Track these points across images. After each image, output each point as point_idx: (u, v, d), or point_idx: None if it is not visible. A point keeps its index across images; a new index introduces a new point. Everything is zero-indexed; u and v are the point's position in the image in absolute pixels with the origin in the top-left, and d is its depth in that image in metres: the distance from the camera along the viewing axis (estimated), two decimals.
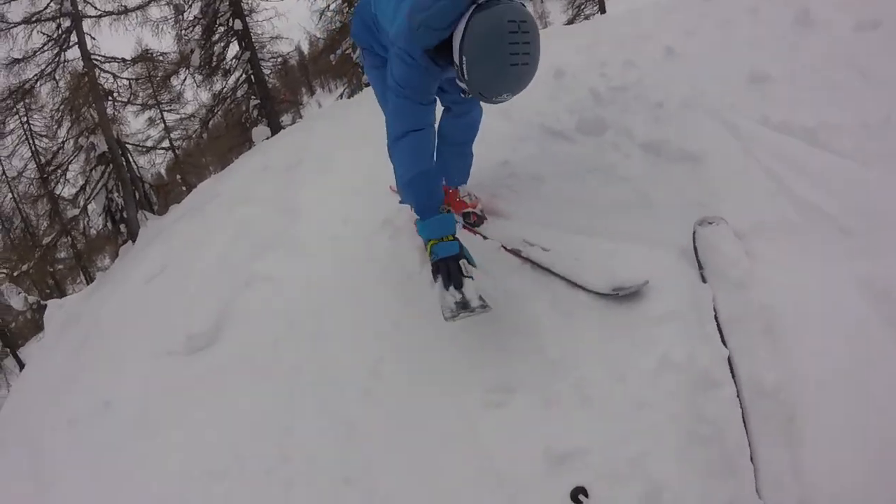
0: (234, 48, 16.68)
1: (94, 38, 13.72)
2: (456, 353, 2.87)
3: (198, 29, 16.21)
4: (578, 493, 2.08)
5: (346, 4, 16.09)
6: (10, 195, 22.01)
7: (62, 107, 14.25)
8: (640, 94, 4.20)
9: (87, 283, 19.22)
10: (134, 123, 18.96)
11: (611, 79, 4.67)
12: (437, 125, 3.04)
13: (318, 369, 3.30)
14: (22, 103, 16.07)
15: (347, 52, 16.30)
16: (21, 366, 18.70)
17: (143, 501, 3.13)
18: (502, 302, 2.92)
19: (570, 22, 21.11)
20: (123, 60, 14.67)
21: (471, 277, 2.70)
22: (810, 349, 2.09)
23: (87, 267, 24.56)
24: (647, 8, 7.32)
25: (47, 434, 4.41)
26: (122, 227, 14.19)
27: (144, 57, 15.70)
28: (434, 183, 2.88)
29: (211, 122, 18.07)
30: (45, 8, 12.94)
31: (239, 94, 17.30)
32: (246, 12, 16.26)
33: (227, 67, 16.88)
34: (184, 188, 20.82)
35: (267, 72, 17.49)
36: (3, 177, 21.12)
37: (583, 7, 22.60)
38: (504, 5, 2.33)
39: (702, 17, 5.67)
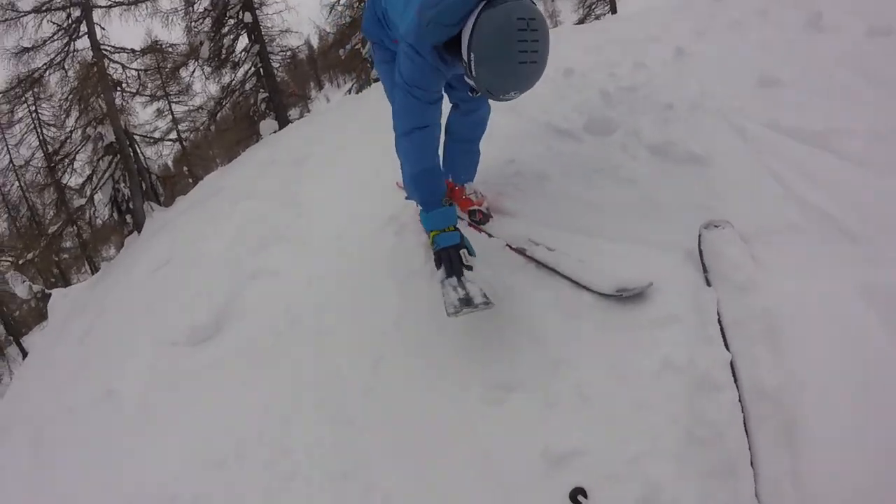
0: (243, 41, 16.66)
1: (103, 29, 13.69)
2: (457, 350, 2.87)
3: (207, 21, 16.17)
4: (577, 494, 2.07)
5: None
6: (17, 183, 22.13)
7: (70, 96, 14.22)
8: (649, 95, 4.19)
9: (92, 273, 19.33)
10: (142, 114, 19.05)
11: (620, 79, 4.66)
12: (445, 121, 3.09)
13: (319, 364, 3.31)
14: (30, 92, 16.07)
15: (357, 47, 16.28)
16: (24, 354, 18.79)
17: (141, 489, 3.15)
18: (505, 300, 2.92)
19: (581, 22, 21.09)
20: (133, 51, 14.64)
21: (470, 267, 2.83)
22: (813, 354, 2.07)
23: (93, 257, 24.59)
24: (657, 9, 7.32)
25: (49, 421, 4.44)
26: (128, 218, 14.19)
27: (154, 48, 15.66)
28: (438, 178, 2.93)
29: (219, 115, 18.02)
30: None
31: (247, 87, 17.27)
32: (256, 5, 16.23)
33: (236, 60, 16.84)
34: (190, 180, 20.91)
35: (276, 65, 17.44)
36: (11, 165, 21.20)
37: (594, 7, 22.53)
38: (513, 2, 2.32)
39: (712, 18, 5.67)
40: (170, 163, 23.67)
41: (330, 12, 16.84)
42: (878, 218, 2.55)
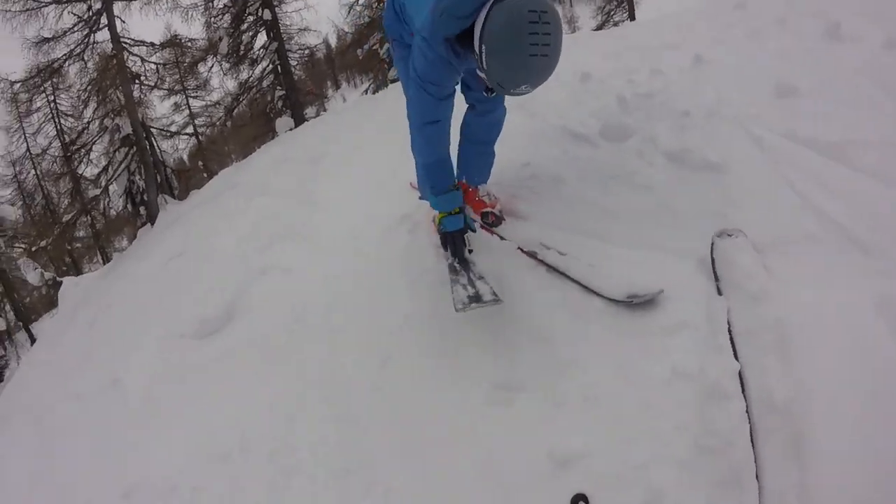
0: (262, 38, 16.72)
1: (123, 22, 13.77)
2: (465, 350, 2.86)
3: (227, 17, 16.25)
4: (579, 501, 2.06)
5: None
6: (33, 172, 22.33)
7: (89, 87, 14.31)
8: (666, 101, 4.17)
9: (104, 263, 19.41)
10: (159, 108, 19.10)
11: (637, 85, 4.65)
12: (460, 122, 3.25)
13: (327, 362, 3.31)
14: (49, 82, 16.21)
15: (375, 47, 16.34)
16: (33, 340, 18.88)
17: (143, 478, 3.15)
18: (514, 301, 2.91)
19: (599, 28, 21.05)
20: (152, 45, 14.72)
21: (471, 249, 3.15)
22: (823, 366, 2.05)
23: (105, 247, 24.76)
24: (676, 15, 7.29)
25: (53, 408, 4.45)
26: (142, 210, 14.26)
27: (173, 42, 15.75)
28: (448, 167, 3.11)
29: (235, 111, 18.12)
30: None
31: (265, 83, 17.34)
32: (275, 3, 16.30)
33: (255, 57, 16.91)
34: (205, 175, 20.94)
35: (293, 63, 17.51)
36: (28, 153, 21.38)
37: (612, 13, 22.49)
38: None
39: (730, 26, 5.65)
40: (185, 157, 23.82)
41: (349, 12, 16.93)
42: (893, 230, 2.53)
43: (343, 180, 5.70)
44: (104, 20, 13.28)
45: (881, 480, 1.76)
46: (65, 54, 13.58)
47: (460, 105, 3.22)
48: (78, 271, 22.69)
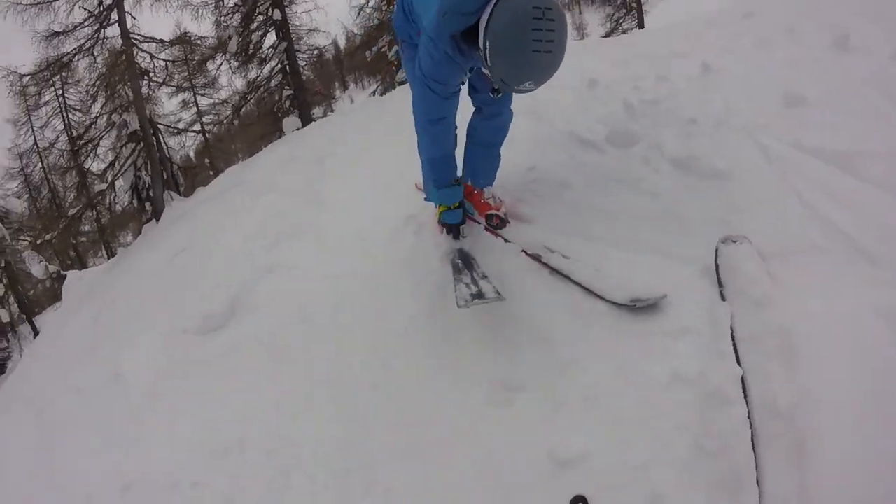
0: (271, 38, 16.77)
1: (134, 18, 13.78)
2: (467, 351, 2.87)
3: (237, 16, 16.30)
4: (578, 502, 2.06)
5: (384, 2, 16.16)
6: (40, 165, 22.40)
7: (98, 82, 14.31)
8: (673, 109, 4.17)
9: (109, 258, 19.47)
10: (167, 104, 19.23)
11: (644, 92, 4.64)
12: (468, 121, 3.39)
13: (330, 360, 3.32)
14: (59, 76, 16.24)
15: (383, 49, 16.38)
16: (36, 333, 18.91)
17: (144, 473, 3.16)
18: (517, 302, 2.92)
19: (608, 35, 21.03)
20: (161, 41, 14.75)
21: (465, 236, 3.40)
22: (826, 374, 2.05)
23: (110, 242, 24.85)
24: (684, 24, 7.29)
25: (54, 401, 4.46)
26: (148, 206, 14.27)
27: (182, 40, 15.80)
28: (451, 163, 3.24)
29: (243, 109, 18.16)
30: None
31: (273, 83, 17.39)
32: (285, 3, 16.34)
33: (263, 56, 16.96)
34: (211, 172, 21.02)
35: (302, 63, 17.54)
36: (35, 147, 21.46)
37: (621, 21, 22.48)
38: None
39: (739, 35, 5.64)
40: (192, 154, 23.91)
41: (358, 14, 16.97)
42: None
43: (350, 181, 5.72)
44: (115, 16, 13.31)
45: (885, 487, 1.76)
46: (74, 49, 13.59)
47: (467, 108, 3.24)
48: (82, 265, 22.74)
